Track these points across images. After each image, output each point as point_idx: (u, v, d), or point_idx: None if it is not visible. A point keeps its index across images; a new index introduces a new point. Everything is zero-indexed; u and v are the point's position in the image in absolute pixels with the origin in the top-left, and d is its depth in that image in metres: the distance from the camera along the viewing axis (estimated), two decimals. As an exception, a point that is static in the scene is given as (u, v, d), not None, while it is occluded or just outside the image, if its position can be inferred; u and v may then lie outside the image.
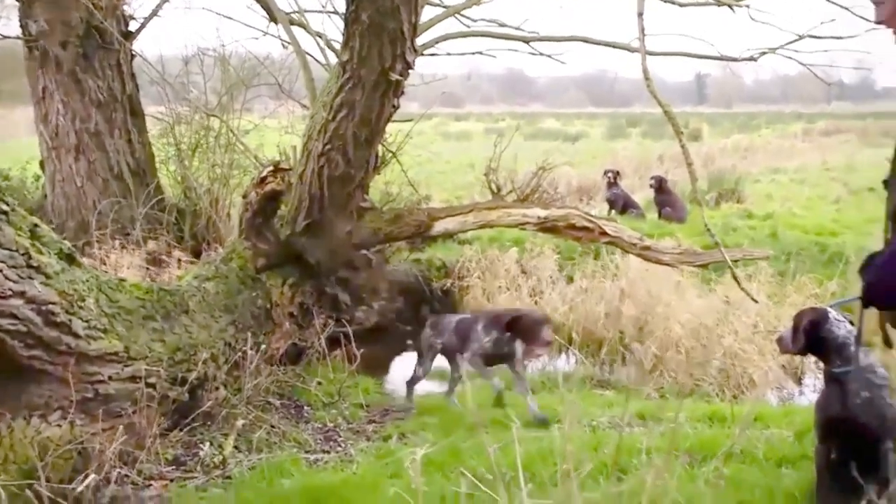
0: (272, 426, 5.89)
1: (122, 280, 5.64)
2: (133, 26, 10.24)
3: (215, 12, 11.44)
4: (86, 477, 4.31)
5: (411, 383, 7.04)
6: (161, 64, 11.37)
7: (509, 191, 7.76)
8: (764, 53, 9.83)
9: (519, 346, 6.38)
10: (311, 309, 7.34)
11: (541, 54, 10.01)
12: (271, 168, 6.81)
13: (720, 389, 7.82)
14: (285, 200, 7.17)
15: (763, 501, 4.41)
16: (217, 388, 5.71)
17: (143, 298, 5.51)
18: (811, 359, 7.93)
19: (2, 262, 4.44)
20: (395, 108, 7.18)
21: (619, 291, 9.66)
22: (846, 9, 8.69)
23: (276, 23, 9.45)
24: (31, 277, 4.61)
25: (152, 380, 5.16)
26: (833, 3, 8.81)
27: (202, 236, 10.02)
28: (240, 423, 5.53)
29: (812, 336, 4.32)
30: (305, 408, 6.52)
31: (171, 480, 4.93)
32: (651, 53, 7.31)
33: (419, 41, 7.52)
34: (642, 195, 16.53)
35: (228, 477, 5.03)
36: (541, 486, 3.18)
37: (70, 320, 4.78)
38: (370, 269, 8.32)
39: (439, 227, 7.62)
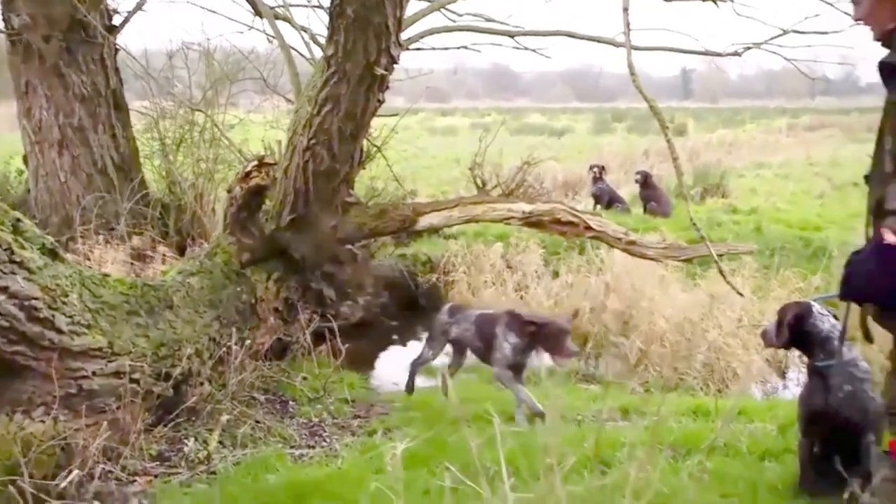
0: (257, 421, 5.87)
1: (106, 275, 5.61)
2: (117, 20, 10.17)
3: (200, 6, 11.41)
4: (69, 473, 4.29)
5: (416, 364, 6.98)
6: (145, 58, 11.31)
7: (494, 185, 7.76)
8: (748, 48, 9.85)
9: (535, 356, 6.23)
10: (296, 304, 7.32)
11: (526, 49, 10.01)
12: (256, 163, 6.78)
13: (704, 383, 7.86)
14: (270, 195, 7.15)
15: (746, 494, 4.43)
16: (201, 384, 5.68)
17: (126, 294, 5.49)
18: (795, 353, 8.00)
19: (-16, 257, 4.42)
20: (380, 102, 7.17)
21: (603, 286, 9.69)
22: (830, 4, 8.72)
23: (260, 17, 9.42)
24: (13, 273, 4.59)
25: (136, 375, 5.14)
26: (817, -2, 8.84)
27: (187, 231, 9.98)
28: (224, 418, 5.51)
29: (796, 330, 4.35)
30: (290, 403, 6.50)
31: (156, 476, 4.91)
32: (636, 48, 7.35)
33: (404, 35, 7.51)
34: (628, 190, 16.59)
35: (213, 472, 5.01)
36: (525, 480, 3.19)
37: (53, 316, 4.76)
38: (355, 264, 8.31)
39: (424, 221, 7.62)
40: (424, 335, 10.29)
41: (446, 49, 10.78)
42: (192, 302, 6.13)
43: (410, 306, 10.63)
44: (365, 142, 7.76)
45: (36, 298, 4.66)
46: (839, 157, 25.31)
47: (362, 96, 6.80)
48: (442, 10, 9.41)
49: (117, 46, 10.08)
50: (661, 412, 5.74)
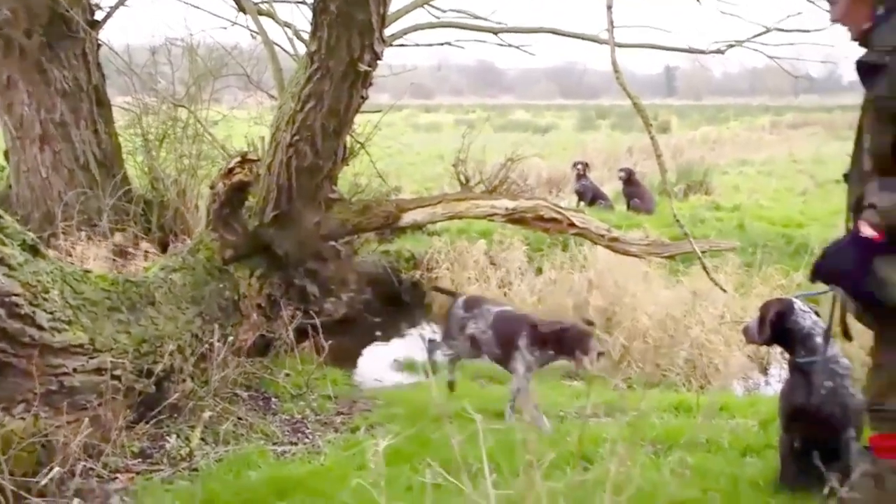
0: (239, 418, 5.86)
1: (87, 271, 5.60)
2: (99, 15, 10.10)
3: (183, 2, 11.33)
4: (50, 470, 4.28)
5: (431, 350, 6.76)
6: (128, 54, 11.26)
7: (478, 182, 7.76)
8: (731, 46, 9.88)
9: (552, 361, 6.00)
10: (279, 300, 7.31)
11: (509, 46, 10.02)
12: (239, 159, 6.77)
13: (687, 380, 7.90)
14: (253, 192, 7.13)
15: (727, 489, 4.46)
16: (184, 380, 5.67)
17: (108, 290, 5.47)
18: (777, 349, 8.04)
19: (-36, 253, 4.40)
20: (364, 99, 7.15)
21: (587, 283, 9.72)
22: (812, 2, 8.75)
23: (244, 13, 9.40)
24: (-7, 269, 4.57)
25: (118, 372, 5.12)
26: (799, -4, 8.89)
27: (169, 228, 9.94)
28: (207, 415, 5.50)
29: (778, 327, 4.38)
30: (273, 400, 6.49)
31: (137, 473, 4.90)
32: (620, 45, 7.37)
33: (388, 32, 7.50)
34: (611, 187, 16.63)
35: (195, 469, 5.00)
36: (506, 476, 3.19)
37: (34, 312, 4.73)
38: (339, 261, 8.30)
39: (408, 218, 7.61)
40: (409, 331, 10.37)
41: (430, 45, 10.77)
42: (175, 298, 6.12)
43: (394, 303, 10.64)
44: (348, 138, 7.74)
45: (16, 295, 4.64)
46: (822, 155, 25.45)
47: (346, 93, 6.78)
48: (426, 6, 9.40)
49: (99, 42, 10.02)
50: (642, 408, 5.76)
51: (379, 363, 8.76)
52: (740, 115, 48.78)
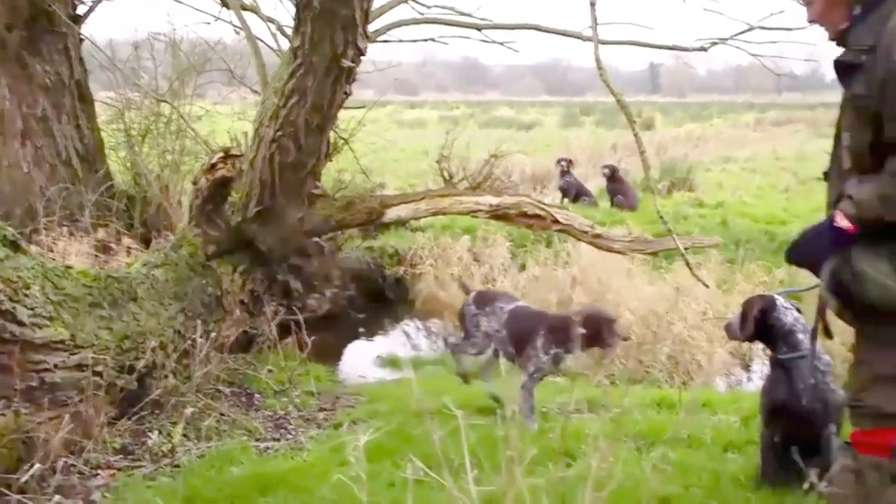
0: (222, 414, 5.85)
1: (69, 267, 5.57)
2: (81, 10, 10.06)
3: (166, -4, 11.31)
4: (31, 466, 4.26)
5: (456, 353, 6.37)
6: (111, 48, 11.22)
7: (461, 178, 7.76)
8: (715, 44, 9.89)
9: (568, 360, 5.82)
10: (262, 296, 7.30)
11: (493, 42, 10.01)
12: (222, 154, 6.74)
13: (669, 376, 7.93)
14: (236, 187, 7.11)
15: (709, 485, 4.48)
16: (166, 377, 5.65)
17: (89, 286, 5.44)
18: (759, 345, 8.08)
19: (-57, 248, 4.37)
20: (347, 94, 7.14)
21: (570, 279, 9.74)
22: (795, 0, 8.76)
23: (227, 7, 9.35)
24: (-27, 264, 4.55)
25: (99, 368, 5.10)
26: (782, -6, 8.89)
27: (152, 223, 9.90)
28: (189, 411, 5.47)
29: (760, 323, 4.40)
30: (256, 396, 6.49)
31: (119, 469, 4.89)
32: (604, 42, 7.36)
33: (371, 27, 7.49)
34: (595, 183, 16.65)
35: (177, 465, 4.99)
36: (490, 471, 3.20)
37: (14, 308, 4.71)
38: (322, 257, 8.29)
39: (391, 214, 7.60)
40: (392, 327, 10.37)
41: (414, 41, 10.79)
42: (157, 294, 6.09)
43: (377, 299, 10.64)
44: (332, 134, 7.73)
45: (-3, 290, 4.62)
46: (805, 152, 25.55)
47: (329, 88, 6.77)
48: (410, 2, 9.40)
49: (82, 36, 9.97)
50: (625, 404, 5.78)
51: (362, 359, 8.75)
52: (724, 112, 48.93)
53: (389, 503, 4.08)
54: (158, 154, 10.60)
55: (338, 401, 6.67)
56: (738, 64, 77.96)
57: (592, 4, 5.95)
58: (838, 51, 3.25)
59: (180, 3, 10.28)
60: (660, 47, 9.87)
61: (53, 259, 6.96)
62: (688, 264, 7.10)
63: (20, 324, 4.73)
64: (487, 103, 56.96)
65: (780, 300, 4.42)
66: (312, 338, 6.89)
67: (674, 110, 48.55)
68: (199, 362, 5.85)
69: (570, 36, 9.14)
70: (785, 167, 22.82)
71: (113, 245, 8.93)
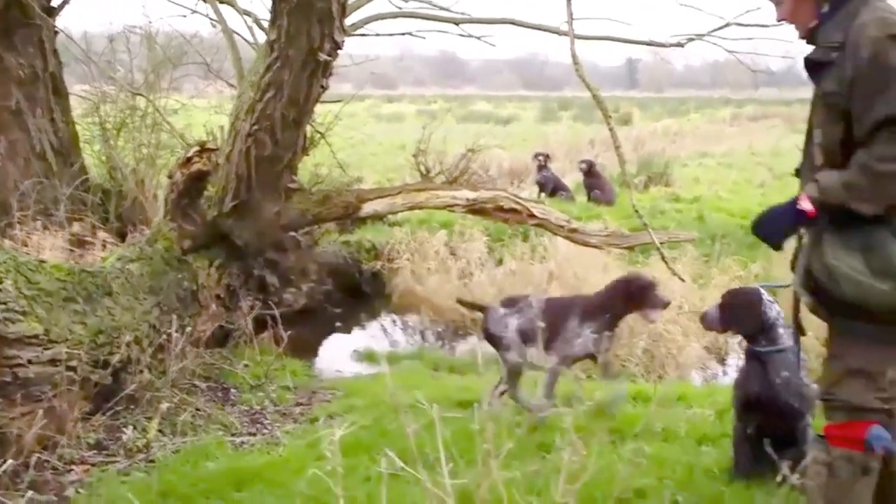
0: (197, 409, 5.83)
1: (42, 261, 5.53)
2: (56, 2, 9.96)
3: (142, -11, 11.24)
4: (4, 462, 4.22)
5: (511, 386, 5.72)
6: (85, 41, 11.14)
7: (438, 172, 7.77)
8: (692, 40, 9.96)
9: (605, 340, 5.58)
10: (239, 291, 7.28)
11: (470, 36, 10.02)
12: (197, 148, 6.72)
13: (645, 370, 7.96)
14: (212, 181, 7.08)
15: (683, 478, 4.50)
16: (141, 371, 5.62)
17: (63, 280, 5.41)
18: (735, 339, 8.14)
19: (-86, 242, 4.34)
20: (324, 88, 7.13)
21: (547, 273, 9.74)
22: (771, -3, 8.82)
23: (204, 0, 9.32)
24: (-55, 258, 4.51)
25: (73, 363, 5.07)
26: (759, -10, 8.95)
27: (128, 217, 9.84)
28: (164, 406, 5.46)
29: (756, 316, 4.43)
30: (232, 390, 6.47)
31: (93, 465, 4.87)
32: (579, 37, 7.38)
33: (348, 21, 7.48)
34: (572, 178, 16.68)
35: (152, 461, 4.97)
36: (465, 465, 3.21)
37: (-13, 303, 4.68)
38: (298, 251, 8.28)
39: (368, 208, 7.60)
40: (368, 322, 10.36)
41: (391, 35, 10.77)
42: (132, 289, 6.07)
43: (354, 293, 10.62)
44: (309, 128, 7.71)
45: (-31, 285, 4.58)
46: (780, 148, 25.68)
47: (305, 82, 6.76)
48: (387, -5, 9.39)
49: (56, 29, 9.88)
50: (599, 398, 5.81)
51: (339, 354, 8.74)
52: (701, 107, 49.09)
53: (365, 497, 4.08)
54: (134, 148, 10.53)
55: (314, 395, 6.66)
56: (715, 60, 78.36)
57: (568, 0, 5.97)
58: (812, 47, 3.29)
59: (156, -5, 10.23)
60: (636, 43, 9.93)
61: (27, 253, 6.90)
62: (663, 258, 7.14)
63: (-7, 318, 4.70)
64: (465, 97, 56.89)
65: (765, 294, 4.46)
66: (289, 332, 6.87)
67: (651, 105, 48.69)
68: (174, 357, 5.82)
69: (546, 31, 9.17)
70: (761, 162, 22.94)
71: (88, 239, 8.87)
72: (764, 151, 25.59)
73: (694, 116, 42.30)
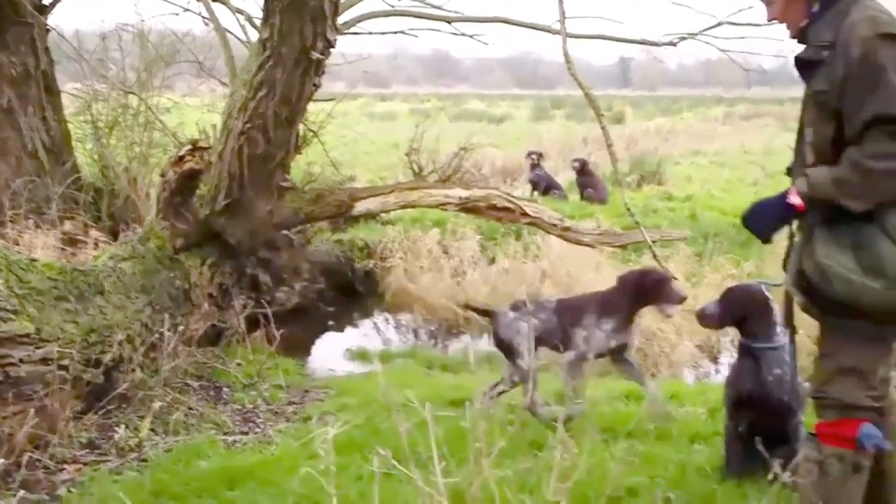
0: (190, 408, 5.83)
1: (34, 260, 5.52)
2: (47, 0, 9.95)
3: (134, -13, 11.23)
4: (-5, 461, 4.23)
5: (528, 392, 5.44)
6: (77, 39, 11.11)
7: (431, 171, 7.77)
8: (684, 39, 9.98)
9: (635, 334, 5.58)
10: (231, 290, 7.28)
11: (463, 35, 10.03)
12: (190, 146, 6.71)
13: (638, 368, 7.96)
14: (204, 180, 7.08)
15: (675, 476, 4.51)
16: (133, 370, 5.61)
17: (55, 279, 5.39)
18: (727, 337, 8.16)
19: None
20: (317, 87, 7.13)
21: (540, 272, 9.75)
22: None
23: (196, -1, 9.31)
24: (-64, 257, 4.50)
25: (65, 362, 5.05)
26: (751, -10, 8.96)
27: (120, 216, 9.82)
28: (156, 405, 5.44)
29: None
30: (224, 389, 6.46)
31: (85, 464, 4.85)
32: (571, 36, 7.39)
33: (341, 19, 7.47)
34: (565, 177, 16.68)
35: (144, 460, 4.96)
36: (458, 464, 3.21)
37: (-22, 301, 4.67)
38: (291, 250, 8.27)
39: (360, 207, 7.61)
40: (361, 321, 10.36)
41: (384, 34, 10.77)
42: (124, 287, 6.05)
43: (347, 292, 10.61)
44: (302, 126, 7.71)
45: (-40, 284, 4.57)
46: (772, 146, 25.69)
47: (298, 80, 6.76)
48: (379, -6, 9.39)
49: (48, 27, 9.86)
50: (592, 396, 5.81)
51: (331, 353, 8.73)
52: (694, 106, 49.11)
53: (357, 496, 4.08)
54: (126, 146, 10.51)
55: (307, 394, 6.66)
56: (708, 58, 78.27)
57: (561, -1, 5.99)
58: (803, 46, 3.30)
59: (149, -7, 10.22)
60: (629, 41, 9.95)
61: (19, 252, 6.88)
62: (655, 257, 7.16)
63: (-16, 317, 4.68)
64: (458, 96, 56.84)
65: (767, 291, 4.47)
66: (281, 331, 6.87)
67: (644, 104, 48.69)
68: (166, 356, 5.82)
69: (539, 29, 9.18)
70: (753, 161, 22.96)
71: (80, 238, 8.85)
72: (756, 150, 25.61)
73: (687, 115, 42.29)
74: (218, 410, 5.96)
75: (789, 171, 3.43)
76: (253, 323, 7.19)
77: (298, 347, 8.10)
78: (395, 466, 2.90)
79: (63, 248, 8.45)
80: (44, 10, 9.75)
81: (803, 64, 3.24)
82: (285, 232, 7.99)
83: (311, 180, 8.70)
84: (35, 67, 9.57)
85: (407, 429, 2.76)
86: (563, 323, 5.52)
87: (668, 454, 4.83)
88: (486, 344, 9.29)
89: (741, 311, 4.43)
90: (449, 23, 9.68)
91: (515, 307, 5.64)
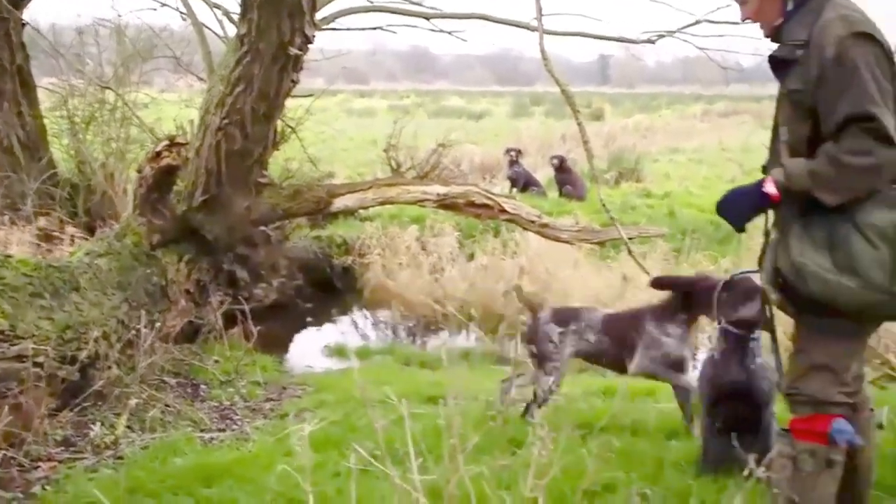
0: (167, 405, 5.81)
1: (8, 256, 5.48)
2: (24, -6, 9.88)
3: (111, -19, 11.15)
4: (-32, 459, 4.20)
5: (539, 403, 5.40)
6: (53, 34, 11.04)
7: (409, 167, 7.77)
8: (662, 36, 9.98)
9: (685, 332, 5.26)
10: (208, 286, 7.25)
11: (442, 31, 10.01)
12: (167, 142, 6.68)
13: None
14: (182, 176, 7.04)
15: (651, 472, 4.52)
16: (109, 367, 5.58)
17: (30, 275, 5.36)
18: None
19: None
20: (295, 83, 7.10)
21: (518, 269, 9.78)
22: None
23: (173, -7, 9.26)
24: None
25: (40, 359, 5.01)
26: (729, -13, 8.99)
27: (97, 212, 9.77)
28: (133, 402, 5.42)
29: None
30: (201, 386, 6.44)
31: (60, 462, 4.81)
32: (549, 33, 7.41)
33: (319, 15, 7.45)
34: (544, 173, 16.71)
35: (120, 457, 4.93)
36: (435, 460, 3.22)
37: (-48, 298, 4.63)
38: (269, 246, 8.26)
39: (339, 203, 7.59)
40: (339, 317, 10.34)
41: (362, 30, 10.75)
42: (100, 284, 6.02)
43: (325, 288, 10.61)
44: (280, 122, 7.68)
45: (-67, 280, 4.53)
46: (750, 144, 25.80)
47: (276, 76, 6.73)
48: (358, -11, 9.36)
49: (24, 21, 9.78)
50: (568, 392, 5.83)
51: (309, 349, 8.73)
52: (672, 103, 49.31)
53: (334, 493, 4.07)
54: (103, 142, 10.46)
55: (284, 391, 6.65)
56: (686, 56, 78.58)
57: (539, -5, 5.99)
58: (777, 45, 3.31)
59: (126, -12, 10.17)
60: (607, 39, 9.95)
61: (-7, 248, 6.85)
62: (631, 253, 7.19)
63: (-42, 314, 4.65)
64: (437, 92, 56.77)
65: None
66: (259, 328, 6.87)
67: (623, 101, 48.82)
68: (143, 353, 5.80)
69: (517, 26, 9.17)
70: (731, 158, 23.04)
71: (56, 234, 8.80)
72: (734, 147, 25.71)
73: (665, 112, 42.45)
74: (195, 407, 5.95)
75: (765, 170, 3.44)
76: (230, 319, 7.17)
77: (276, 344, 8.10)
78: (372, 463, 2.90)
79: (38, 245, 8.40)
80: (19, 5, 9.68)
81: (777, 63, 3.25)
82: (263, 228, 7.97)
83: (289, 176, 8.69)
84: (10, 62, 9.50)
85: (384, 425, 2.77)
86: (614, 340, 5.35)
87: (645, 450, 4.84)
88: (463, 340, 9.33)
89: (747, 300, 4.44)
90: (427, 19, 9.65)
91: (557, 318, 5.43)
